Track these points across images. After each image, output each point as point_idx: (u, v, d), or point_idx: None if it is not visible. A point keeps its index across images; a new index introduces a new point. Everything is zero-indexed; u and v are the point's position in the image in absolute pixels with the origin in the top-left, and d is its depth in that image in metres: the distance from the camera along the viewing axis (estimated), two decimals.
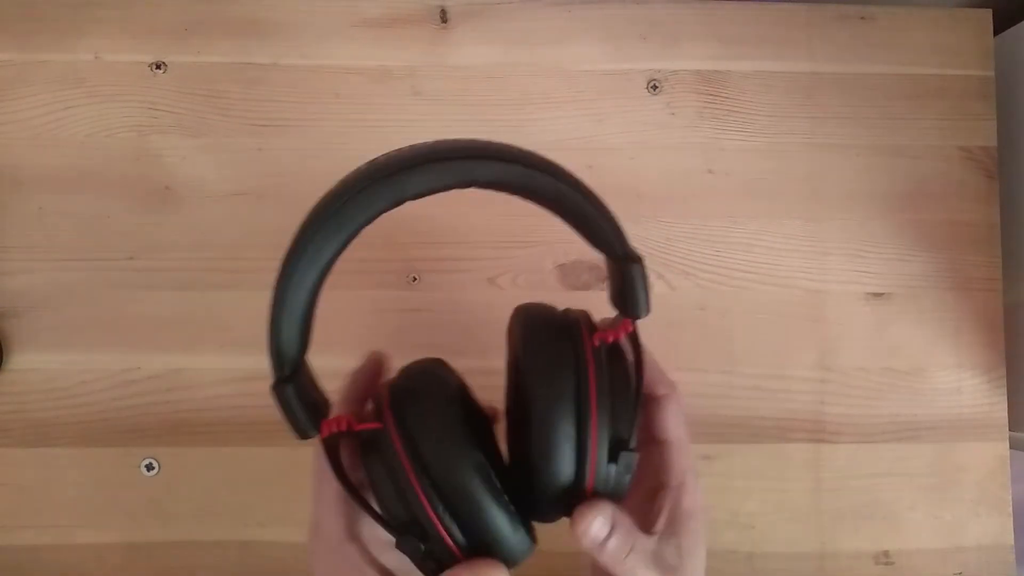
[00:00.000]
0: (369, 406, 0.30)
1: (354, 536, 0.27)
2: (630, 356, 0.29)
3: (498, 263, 0.46)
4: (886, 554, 0.46)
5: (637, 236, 0.47)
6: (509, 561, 0.25)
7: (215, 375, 0.45)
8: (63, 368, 0.44)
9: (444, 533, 0.24)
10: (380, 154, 0.25)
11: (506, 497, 0.25)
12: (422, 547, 0.25)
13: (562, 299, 0.47)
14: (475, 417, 0.27)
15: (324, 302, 0.46)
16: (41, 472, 0.44)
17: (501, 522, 0.25)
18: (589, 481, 0.26)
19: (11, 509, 0.44)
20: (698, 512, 0.29)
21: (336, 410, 0.28)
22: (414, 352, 0.46)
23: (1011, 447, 0.47)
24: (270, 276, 0.45)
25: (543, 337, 0.27)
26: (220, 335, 0.45)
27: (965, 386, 0.47)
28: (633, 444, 0.27)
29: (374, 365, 0.32)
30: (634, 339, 0.28)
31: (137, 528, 0.44)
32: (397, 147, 0.25)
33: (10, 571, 0.44)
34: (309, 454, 0.44)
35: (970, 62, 0.49)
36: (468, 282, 0.46)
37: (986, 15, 0.49)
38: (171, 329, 0.45)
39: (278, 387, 0.24)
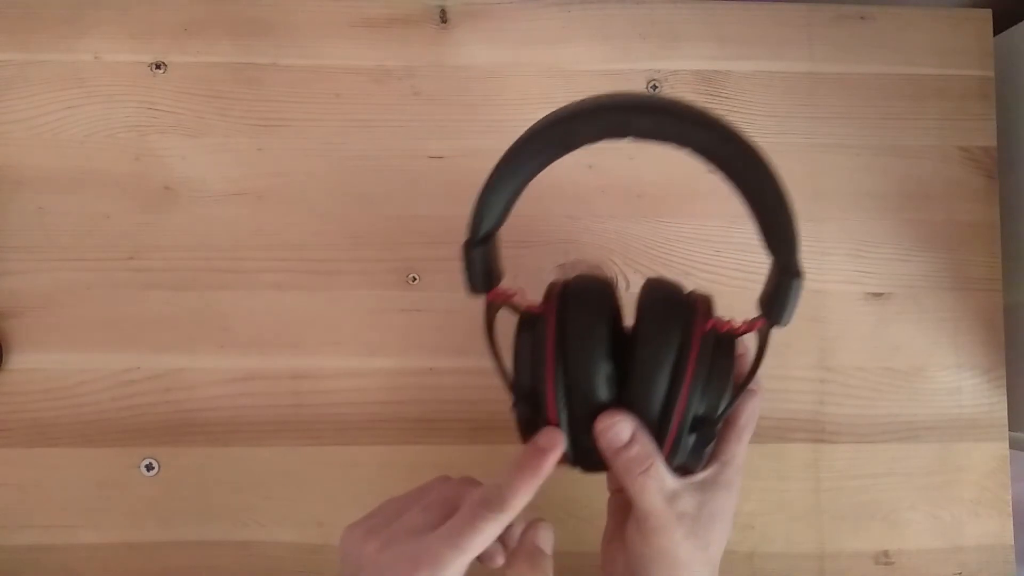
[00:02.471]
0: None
1: None
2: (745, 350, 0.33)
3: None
4: (886, 554, 0.46)
5: (637, 236, 0.47)
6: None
7: (215, 375, 0.45)
8: (63, 368, 0.44)
9: (553, 412, 0.29)
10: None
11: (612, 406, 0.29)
12: (528, 413, 0.30)
13: None
14: (618, 331, 0.32)
15: (324, 302, 0.46)
16: (41, 472, 0.44)
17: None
18: (667, 446, 0.29)
19: (11, 509, 0.44)
20: (733, 488, 0.32)
21: None
22: (414, 352, 0.46)
23: (1011, 447, 0.47)
24: (270, 276, 0.46)
25: (661, 314, 0.30)
26: (220, 335, 0.45)
27: (965, 386, 0.47)
28: (717, 428, 0.30)
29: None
30: (763, 340, 0.31)
31: (137, 528, 0.44)
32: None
33: (10, 571, 0.44)
34: (306, 455, 0.44)
35: (970, 62, 0.49)
36: None
37: (986, 15, 0.49)
38: (171, 329, 0.45)
39: (467, 247, 0.29)
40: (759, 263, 0.47)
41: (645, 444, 0.29)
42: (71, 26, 0.46)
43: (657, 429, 0.29)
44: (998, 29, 0.49)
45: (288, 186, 0.46)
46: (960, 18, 0.49)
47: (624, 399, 0.29)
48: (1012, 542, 0.46)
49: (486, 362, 0.32)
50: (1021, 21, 0.49)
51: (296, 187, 0.46)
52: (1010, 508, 0.47)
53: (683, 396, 0.29)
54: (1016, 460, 0.47)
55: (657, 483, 0.29)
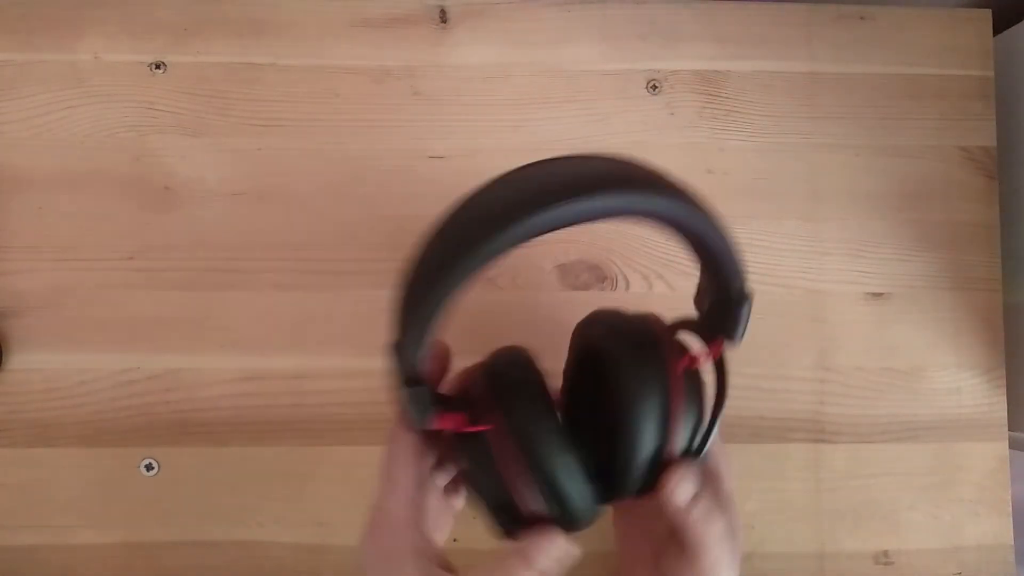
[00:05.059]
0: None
1: (418, 524, 0.29)
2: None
3: (498, 263, 0.46)
4: (886, 554, 0.46)
5: (637, 236, 0.47)
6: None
7: (215, 375, 0.45)
8: (63, 368, 0.44)
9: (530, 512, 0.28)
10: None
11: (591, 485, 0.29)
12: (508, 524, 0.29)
13: (562, 299, 0.47)
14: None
15: (324, 302, 0.46)
16: (41, 472, 0.44)
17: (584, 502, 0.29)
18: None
19: (11, 509, 0.44)
20: (733, 494, 0.32)
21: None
22: None
23: (1011, 447, 0.47)
24: (270, 276, 0.46)
25: (632, 364, 0.30)
26: (220, 335, 0.45)
27: (965, 386, 0.47)
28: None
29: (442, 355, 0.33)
30: (722, 360, 0.31)
31: (137, 528, 0.44)
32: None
33: (10, 571, 0.44)
34: (306, 455, 0.44)
35: (970, 62, 0.49)
36: None
37: (986, 15, 0.49)
38: (171, 329, 0.45)
39: (403, 387, 0.28)
40: (759, 263, 0.48)
41: (710, 494, 0.30)
42: (71, 26, 0.46)
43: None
44: (998, 29, 0.49)
45: (288, 186, 0.46)
46: (960, 18, 0.49)
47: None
48: (1012, 542, 0.46)
49: None
50: (1021, 21, 0.49)
51: (296, 187, 0.46)
52: (1010, 508, 0.47)
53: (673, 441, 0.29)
54: (1016, 460, 0.47)
55: (720, 530, 0.30)
